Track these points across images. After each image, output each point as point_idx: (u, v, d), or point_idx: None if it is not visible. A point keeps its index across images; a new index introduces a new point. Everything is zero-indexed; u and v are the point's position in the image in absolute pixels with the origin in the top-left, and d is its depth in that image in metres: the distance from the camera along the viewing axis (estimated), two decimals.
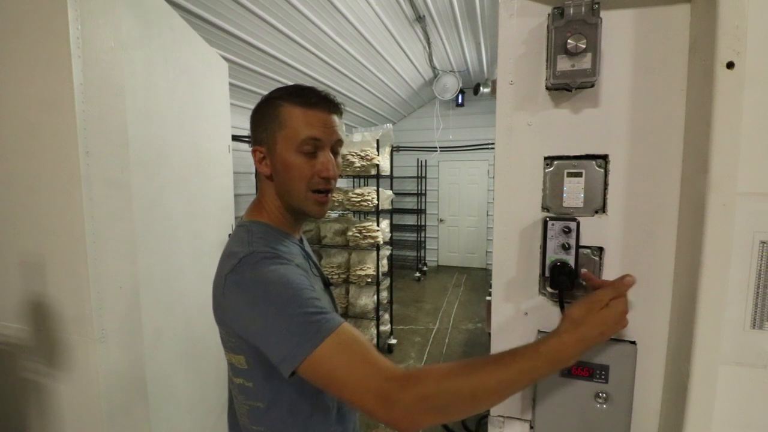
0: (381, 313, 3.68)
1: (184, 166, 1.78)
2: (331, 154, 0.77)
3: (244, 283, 0.67)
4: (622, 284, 0.64)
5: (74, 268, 1.28)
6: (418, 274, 6.61)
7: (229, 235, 0.84)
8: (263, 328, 0.64)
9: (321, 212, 0.79)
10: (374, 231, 3.58)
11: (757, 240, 0.63)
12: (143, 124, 1.49)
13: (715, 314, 0.64)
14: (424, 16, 3.70)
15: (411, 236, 7.09)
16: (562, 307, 0.80)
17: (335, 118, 0.78)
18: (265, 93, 0.80)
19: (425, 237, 7.18)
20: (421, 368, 0.59)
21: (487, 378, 0.57)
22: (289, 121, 0.73)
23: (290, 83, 3.41)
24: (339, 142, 0.80)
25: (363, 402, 0.58)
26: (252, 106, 0.80)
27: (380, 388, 0.57)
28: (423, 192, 6.96)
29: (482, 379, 0.57)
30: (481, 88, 5.66)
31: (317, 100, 0.75)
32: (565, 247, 0.78)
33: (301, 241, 0.88)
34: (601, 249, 0.80)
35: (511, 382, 0.58)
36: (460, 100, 6.50)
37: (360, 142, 3.61)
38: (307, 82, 3.88)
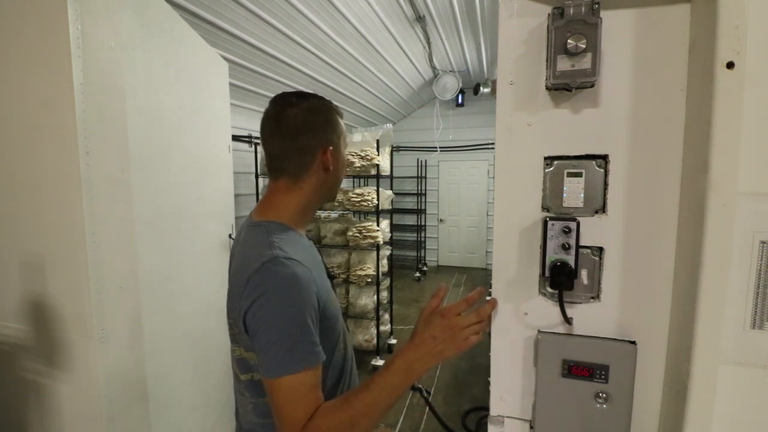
0: (381, 313, 3.67)
1: (184, 166, 1.78)
2: None
3: (266, 285, 0.71)
4: (473, 299, 0.75)
5: (74, 268, 1.28)
6: (418, 274, 6.61)
7: (230, 235, 0.87)
8: (263, 332, 0.70)
9: None
10: (374, 231, 3.58)
11: (757, 240, 0.63)
12: (143, 124, 1.49)
13: (715, 314, 0.65)
14: (424, 16, 3.70)
15: (411, 236, 7.09)
16: (562, 307, 0.80)
17: None
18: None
19: (425, 237, 7.17)
20: (315, 415, 0.68)
21: (357, 405, 0.68)
22: (342, 128, 0.90)
23: (290, 83, 3.41)
24: None
25: None
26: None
27: None
28: (423, 192, 6.95)
29: (355, 408, 0.68)
30: (481, 88, 5.66)
31: (342, 114, 0.92)
32: (565, 247, 0.78)
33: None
34: (601, 249, 0.80)
35: (376, 402, 0.69)
36: (460, 100, 6.50)
37: (360, 142, 3.61)
38: (307, 82, 3.87)
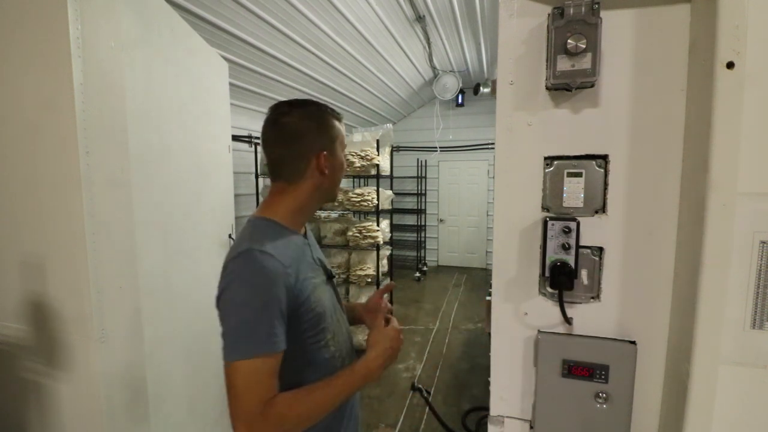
0: None
1: (184, 166, 1.78)
2: None
3: (234, 274, 0.77)
4: (381, 310, 0.93)
5: (74, 268, 1.28)
6: (418, 274, 6.61)
7: (230, 235, 0.89)
8: (226, 318, 0.75)
9: None
10: (374, 231, 3.58)
11: (757, 240, 0.63)
12: (143, 124, 1.49)
13: (715, 314, 0.65)
14: (424, 16, 3.70)
15: (411, 236, 7.09)
16: (562, 307, 0.80)
17: None
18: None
19: (425, 237, 7.17)
20: (276, 403, 0.72)
21: (317, 398, 0.75)
22: (339, 132, 0.92)
23: (290, 83, 3.39)
24: None
25: (236, 423, 0.71)
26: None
27: (252, 420, 0.70)
28: (423, 192, 6.95)
29: (314, 401, 0.75)
30: (481, 88, 5.66)
31: (341, 117, 0.94)
32: (565, 247, 0.78)
33: (305, 235, 0.95)
34: (601, 249, 0.80)
35: (335, 400, 0.77)
36: (460, 100, 6.50)
37: (360, 142, 3.61)
38: (307, 82, 3.85)
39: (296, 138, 0.85)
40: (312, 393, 0.76)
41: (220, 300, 0.77)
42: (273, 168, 0.89)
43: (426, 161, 6.96)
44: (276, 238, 0.82)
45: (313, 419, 0.76)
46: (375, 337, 0.89)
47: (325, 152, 0.88)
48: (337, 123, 0.91)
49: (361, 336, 3.63)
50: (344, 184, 6.00)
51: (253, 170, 3.86)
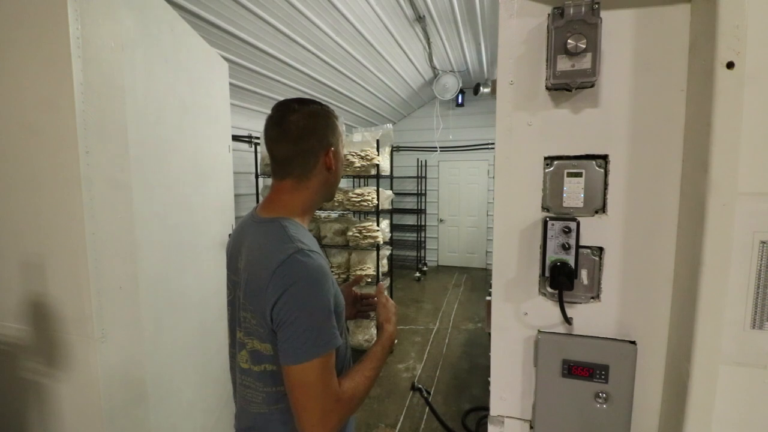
0: None
1: (184, 165, 1.78)
2: None
3: (294, 276, 0.76)
4: (379, 291, 1.04)
5: (74, 268, 1.28)
6: (418, 274, 6.61)
7: (229, 235, 0.89)
8: (296, 320, 0.75)
9: None
10: (374, 231, 3.58)
11: (757, 240, 0.63)
12: (143, 124, 1.49)
13: (715, 314, 0.65)
14: (424, 16, 3.70)
15: (411, 236, 7.09)
16: (562, 307, 0.80)
17: None
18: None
19: (425, 237, 7.17)
20: (344, 389, 0.79)
21: (367, 374, 0.85)
22: (340, 130, 0.96)
23: (290, 83, 3.39)
24: None
25: (311, 417, 0.74)
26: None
27: (331, 410, 0.76)
28: (423, 192, 6.95)
29: (366, 377, 0.85)
30: (481, 88, 5.66)
31: (338, 116, 0.97)
32: (565, 247, 0.78)
33: None
34: (601, 249, 0.80)
35: (377, 370, 0.87)
36: (460, 100, 6.50)
37: (360, 142, 3.61)
38: (307, 82, 3.84)
39: (306, 135, 0.87)
40: (363, 371, 0.85)
41: (278, 304, 0.75)
42: (280, 166, 0.88)
43: (426, 161, 6.97)
44: (308, 237, 0.84)
45: (368, 392, 0.86)
46: (386, 314, 0.99)
47: (332, 148, 0.90)
48: (336, 121, 0.94)
49: (360, 336, 3.63)
50: (344, 184, 6.00)
51: (253, 170, 3.86)
